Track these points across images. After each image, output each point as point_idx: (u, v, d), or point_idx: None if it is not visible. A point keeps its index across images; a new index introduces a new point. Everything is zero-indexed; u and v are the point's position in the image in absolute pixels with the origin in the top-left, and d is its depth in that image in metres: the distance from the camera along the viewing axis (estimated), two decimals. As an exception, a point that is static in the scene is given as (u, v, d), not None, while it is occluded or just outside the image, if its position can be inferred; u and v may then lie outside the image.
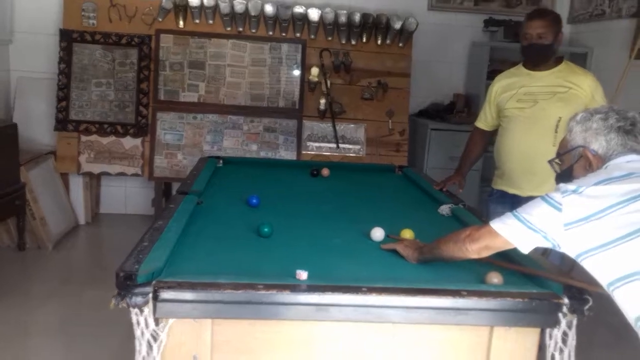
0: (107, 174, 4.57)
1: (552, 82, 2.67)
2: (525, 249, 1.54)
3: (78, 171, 4.52)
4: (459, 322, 1.52)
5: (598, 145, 1.58)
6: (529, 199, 1.65)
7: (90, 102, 4.49)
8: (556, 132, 2.60)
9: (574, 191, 1.46)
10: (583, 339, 1.57)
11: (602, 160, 1.57)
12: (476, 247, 1.57)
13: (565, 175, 1.65)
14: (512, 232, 1.52)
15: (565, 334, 1.56)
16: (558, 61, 2.74)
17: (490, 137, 3.00)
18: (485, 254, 1.59)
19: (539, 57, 2.68)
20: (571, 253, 1.47)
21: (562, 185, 1.50)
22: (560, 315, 1.53)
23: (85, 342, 2.87)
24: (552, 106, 2.62)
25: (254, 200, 2.37)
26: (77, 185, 4.67)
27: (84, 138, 4.49)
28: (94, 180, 4.83)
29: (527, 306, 1.52)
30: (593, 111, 1.62)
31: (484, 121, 2.96)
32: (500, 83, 2.84)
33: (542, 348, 1.59)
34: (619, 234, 1.38)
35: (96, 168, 4.53)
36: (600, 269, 1.43)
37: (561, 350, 1.58)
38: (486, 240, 1.56)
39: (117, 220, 4.91)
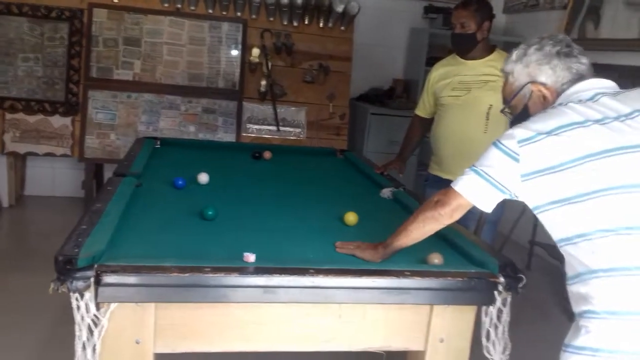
0: (34, 154, 4.34)
1: (483, 70, 2.76)
2: (488, 208, 1.50)
3: (2, 151, 4.27)
4: (401, 302, 1.57)
5: (545, 76, 1.53)
6: None
7: (17, 78, 4.23)
8: (487, 119, 2.71)
9: (530, 139, 1.40)
10: (511, 316, 1.64)
11: (555, 91, 1.53)
12: (448, 210, 1.53)
13: (521, 118, 1.57)
14: (475, 192, 1.48)
15: (500, 311, 1.64)
16: (491, 50, 2.82)
17: (429, 124, 3.07)
18: (458, 215, 1.55)
19: (462, 46, 2.79)
20: (529, 204, 1.45)
21: (518, 130, 1.43)
22: (495, 293, 1.60)
23: (13, 329, 2.73)
24: (483, 94, 2.72)
25: (180, 182, 2.32)
26: (0, 165, 4.40)
27: (8, 116, 4.23)
28: (19, 161, 4.58)
29: (465, 285, 1.58)
30: (525, 46, 1.58)
31: (422, 109, 3.04)
32: (437, 72, 2.92)
33: (478, 325, 1.66)
34: (577, 191, 1.35)
35: (22, 148, 4.29)
36: (555, 223, 1.42)
37: (496, 327, 1.66)
38: (456, 200, 1.52)
39: (43, 203, 4.69)
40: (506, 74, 1.64)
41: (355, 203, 2.21)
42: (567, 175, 1.37)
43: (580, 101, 1.45)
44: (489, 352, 1.64)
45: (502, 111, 1.72)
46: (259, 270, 1.48)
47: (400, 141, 3.19)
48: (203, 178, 2.41)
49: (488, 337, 1.64)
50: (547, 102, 1.54)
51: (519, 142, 1.41)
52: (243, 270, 1.47)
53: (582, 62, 1.53)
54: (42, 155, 4.34)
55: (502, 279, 1.59)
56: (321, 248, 1.76)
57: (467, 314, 1.64)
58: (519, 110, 1.61)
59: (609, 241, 1.33)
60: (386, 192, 2.46)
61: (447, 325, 1.63)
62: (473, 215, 1.54)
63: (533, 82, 1.55)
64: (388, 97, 4.89)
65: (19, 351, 2.56)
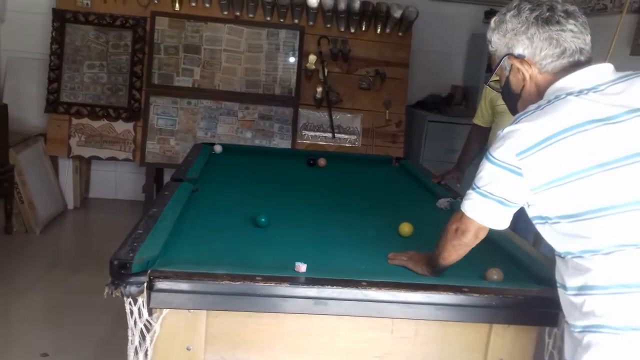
0: (98, 158, 4.50)
1: None
2: (503, 225, 1.39)
3: (68, 154, 4.45)
4: (458, 319, 1.50)
5: (522, 47, 1.33)
6: None
7: (83, 85, 4.41)
8: None
9: (530, 150, 1.23)
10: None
11: (537, 68, 1.34)
12: (471, 236, 1.43)
13: (507, 94, 1.44)
14: (486, 214, 1.36)
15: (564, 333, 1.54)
16: None
17: (487, 133, 2.98)
18: (483, 234, 1.44)
19: None
20: (533, 214, 1.33)
21: (511, 141, 1.26)
22: (561, 314, 1.50)
23: (71, 328, 2.83)
24: None
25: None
26: (66, 168, 4.60)
27: (75, 121, 4.41)
28: (83, 164, 4.76)
29: (527, 304, 1.50)
30: (505, 10, 1.38)
31: (480, 117, 2.97)
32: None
33: (540, 346, 1.57)
34: (590, 206, 1.21)
35: (87, 152, 4.45)
36: (561, 237, 1.29)
37: (560, 350, 1.56)
38: (472, 225, 1.41)
39: (106, 206, 4.85)
40: (488, 43, 1.45)
41: (410, 213, 2.15)
42: (577, 187, 1.22)
43: (581, 93, 1.27)
44: (552, 376, 1.54)
45: (486, 83, 1.57)
46: (310, 281, 1.45)
47: (459, 150, 3.10)
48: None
49: (551, 361, 1.55)
50: (534, 82, 1.36)
51: (518, 154, 1.26)
52: (294, 280, 1.45)
53: (567, 29, 1.32)
54: (105, 159, 4.49)
55: (567, 299, 1.49)
56: (374, 259, 1.72)
57: (528, 334, 1.56)
58: (502, 85, 1.45)
59: (624, 255, 1.21)
60: (443, 203, 2.38)
61: (508, 346, 1.55)
62: (531, 226, 1.43)
63: (510, 54, 1.36)
64: (446, 104, 4.78)
65: (76, 350, 2.64)
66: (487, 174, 1.33)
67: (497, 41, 1.40)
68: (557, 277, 1.36)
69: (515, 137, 1.27)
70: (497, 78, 1.47)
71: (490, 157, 1.31)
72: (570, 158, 1.22)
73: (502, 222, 1.38)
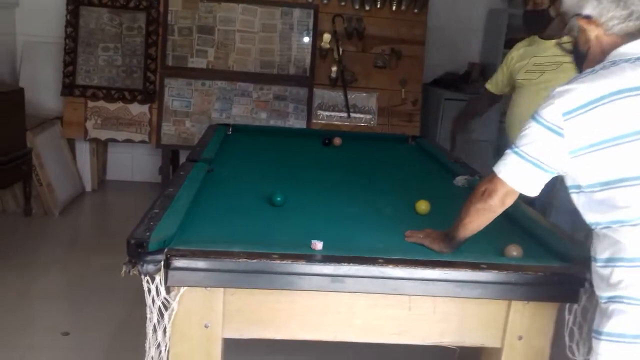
0: (114, 140, 4.52)
1: (558, 51, 2.54)
2: (534, 192, 1.38)
3: (85, 137, 4.48)
4: (477, 296, 1.49)
5: (590, 7, 1.34)
6: None
7: (98, 67, 4.41)
8: None
9: (576, 111, 1.25)
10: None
11: (604, 31, 1.34)
12: (497, 200, 1.41)
13: (577, 56, 1.45)
14: (518, 176, 1.36)
15: (585, 309, 1.53)
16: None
17: (495, 102, 3.03)
18: (509, 201, 1.43)
19: (533, 24, 2.67)
20: (571, 182, 1.34)
21: (560, 100, 1.28)
22: (581, 290, 1.48)
23: (91, 308, 2.87)
24: (556, 77, 2.48)
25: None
26: (83, 151, 4.63)
27: (90, 104, 4.43)
28: (100, 147, 4.79)
29: (547, 280, 1.48)
30: None
31: (494, 84, 2.93)
32: (518, 52, 2.79)
33: (559, 323, 1.56)
34: (632, 172, 1.24)
35: (103, 134, 4.48)
36: (596, 206, 1.30)
37: (580, 326, 1.55)
38: (502, 188, 1.39)
39: (123, 188, 4.89)
40: (559, 3, 1.48)
41: (427, 191, 2.13)
42: (614, 153, 1.24)
43: (638, 59, 1.28)
44: (572, 353, 1.54)
45: (558, 44, 1.59)
46: (326, 259, 1.44)
47: (475, 128, 3.09)
48: None
49: (572, 337, 1.53)
50: (600, 44, 1.36)
51: (564, 114, 1.27)
52: (311, 258, 1.44)
53: None
54: (121, 141, 4.52)
55: (588, 275, 1.47)
56: (391, 237, 1.70)
57: (548, 310, 1.55)
58: (572, 47, 1.46)
59: None
60: (460, 180, 2.36)
61: (527, 322, 1.54)
62: (575, 219, 1.42)
63: (578, 15, 1.37)
64: (464, 81, 4.69)
65: (96, 328, 2.68)
66: (529, 132, 1.35)
67: (567, 1, 1.41)
68: (591, 251, 1.37)
69: (565, 96, 1.29)
70: (568, 40, 1.49)
71: (536, 116, 1.34)
72: (614, 122, 1.25)
73: (532, 187, 1.38)
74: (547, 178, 1.36)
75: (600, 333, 1.29)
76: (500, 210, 1.45)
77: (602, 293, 1.31)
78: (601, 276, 1.31)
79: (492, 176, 1.42)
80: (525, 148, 1.34)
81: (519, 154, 1.35)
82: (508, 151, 1.39)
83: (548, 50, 2.60)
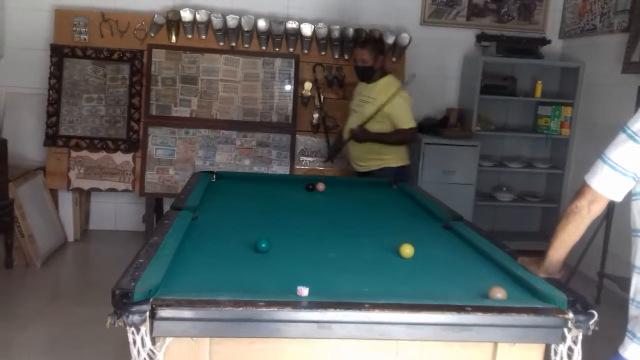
0: (97, 189, 4.51)
1: (373, 90, 3.66)
2: (618, 197, 1.53)
3: (68, 187, 4.46)
4: (463, 339, 1.49)
5: None
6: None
7: (81, 118, 4.45)
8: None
9: None
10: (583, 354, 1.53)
11: None
12: (585, 202, 1.55)
13: None
14: (602, 181, 1.52)
15: (570, 350, 1.54)
16: (384, 75, 3.70)
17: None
18: (596, 208, 1.56)
19: (363, 75, 3.71)
20: None
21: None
22: (565, 330, 1.50)
23: (75, 362, 2.79)
24: (364, 110, 3.65)
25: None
26: (66, 201, 4.60)
27: (74, 154, 4.43)
28: (83, 196, 4.77)
29: (531, 322, 1.49)
30: None
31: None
32: (357, 88, 3.86)
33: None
34: None
35: (86, 184, 4.47)
36: None
37: (567, 366, 1.56)
38: (589, 192, 1.55)
39: (107, 237, 4.84)
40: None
41: (410, 235, 2.15)
42: None
43: None
44: (560, 393, 1.53)
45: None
46: (313, 305, 1.44)
47: (456, 170, 3.19)
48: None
49: (559, 378, 1.53)
50: None
51: None
52: (297, 304, 1.44)
53: None
54: (105, 190, 4.50)
55: (571, 315, 1.49)
56: (376, 281, 1.71)
57: (534, 351, 1.54)
58: None
59: None
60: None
61: (513, 365, 1.53)
62: None
63: None
64: (442, 126, 4.80)
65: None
66: (615, 140, 1.52)
67: None
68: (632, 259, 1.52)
69: None
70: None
71: (623, 125, 1.51)
72: None
73: (615, 192, 1.52)
74: (628, 184, 1.51)
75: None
76: (585, 215, 1.57)
77: (635, 296, 1.47)
78: (636, 282, 1.48)
79: (583, 185, 1.58)
80: (608, 153, 1.52)
81: (602, 159, 1.53)
82: (598, 160, 1.55)
83: (368, 89, 3.69)
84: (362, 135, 3.62)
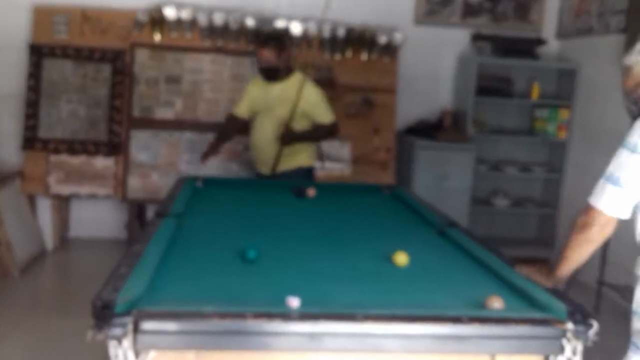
0: (77, 195, 4.39)
1: (282, 89, 3.46)
2: (625, 214, 1.56)
3: (46, 192, 4.33)
4: (459, 351, 1.45)
5: None
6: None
7: (60, 120, 4.32)
8: (279, 124, 3.44)
9: None
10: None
11: None
12: (597, 230, 1.57)
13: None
14: (609, 202, 1.53)
15: (569, 361, 1.49)
16: (289, 73, 3.49)
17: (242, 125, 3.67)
18: (609, 230, 1.59)
19: (269, 76, 3.46)
20: None
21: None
22: (564, 341, 1.46)
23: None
24: (279, 107, 3.43)
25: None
26: (45, 207, 4.47)
27: (53, 158, 4.31)
28: (62, 202, 4.64)
29: (530, 332, 1.46)
30: None
31: (239, 109, 3.67)
32: (254, 87, 3.61)
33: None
34: None
35: (66, 189, 4.34)
36: None
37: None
38: (598, 217, 1.56)
39: (87, 245, 4.70)
40: (628, 67, 1.66)
41: (404, 242, 2.09)
42: None
43: None
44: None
45: (626, 106, 1.73)
46: (303, 316, 1.39)
47: (450, 175, 3.12)
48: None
49: (558, 390, 1.49)
50: None
51: None
52: (286, 316, 1.39)
53: None
54: (85, 196, 4.38)
55: (570, 326, 1.45)
56: (369, 291, 1.66)
57: (532, 364, 1.49)
58: None
59: None
60: None
61: (512, 377, 1.48)
62: None
63: None
64: (436, 129, 4.70)
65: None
66: (617, 157, 1.54)
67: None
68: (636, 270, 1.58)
69: None
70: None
71: (624, 141, 1.53)
72: None
73: (622, 209, 1.54)
74: (633, 197, 1.53)
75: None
76: (600, 240, 1.60)
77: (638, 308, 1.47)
78: None
79: (588, 208, 1.59)
80: (611, 169, 1.54)
81: (606, 177, 1.55)
82: (601, 180, 1.57)
83: (275, 88, 3.46)
84: (290, 137, 3.41)
